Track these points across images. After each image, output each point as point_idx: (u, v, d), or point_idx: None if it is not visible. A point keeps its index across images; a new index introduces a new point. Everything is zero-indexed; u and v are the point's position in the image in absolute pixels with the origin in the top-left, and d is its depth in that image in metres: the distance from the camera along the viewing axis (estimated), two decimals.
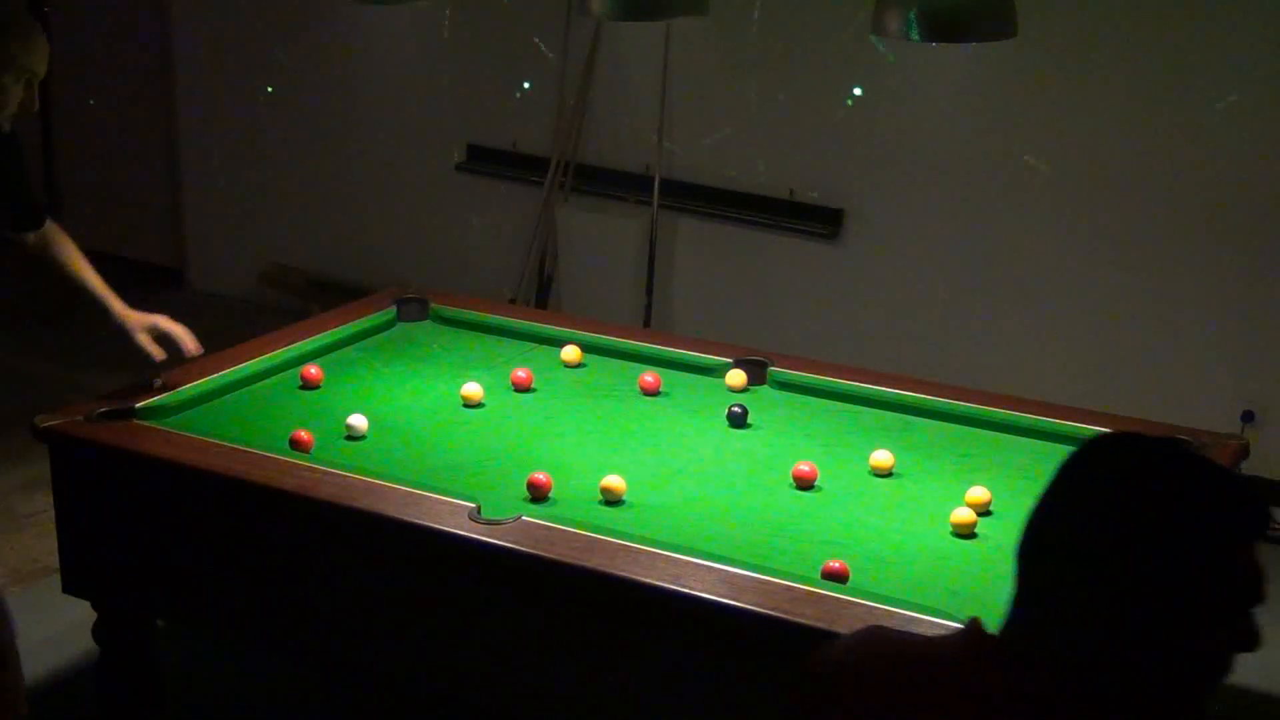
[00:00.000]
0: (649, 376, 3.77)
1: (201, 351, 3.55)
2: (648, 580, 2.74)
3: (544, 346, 4.01)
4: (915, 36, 3.24)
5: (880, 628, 1.71)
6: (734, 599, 2.67)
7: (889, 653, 1.56)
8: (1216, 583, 1.41)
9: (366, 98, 6.38)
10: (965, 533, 3.04)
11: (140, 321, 3.49)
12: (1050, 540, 1.47)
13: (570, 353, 3.93)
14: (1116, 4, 4.88)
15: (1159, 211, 4.91)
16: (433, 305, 4.20)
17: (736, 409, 3.58)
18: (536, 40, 5.89)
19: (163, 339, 3.52)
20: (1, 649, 3.14)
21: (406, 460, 3.30)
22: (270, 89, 6.60)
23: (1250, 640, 1.45)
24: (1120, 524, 1.41)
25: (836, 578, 2.78)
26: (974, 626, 1.53)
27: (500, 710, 3.04)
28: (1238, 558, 1.42)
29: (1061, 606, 1.44)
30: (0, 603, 3.17)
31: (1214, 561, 1.41)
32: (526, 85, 5.94)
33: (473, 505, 2.96)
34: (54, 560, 3.58)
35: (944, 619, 2.54)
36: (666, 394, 3.74)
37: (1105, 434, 1.53)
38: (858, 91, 5.30)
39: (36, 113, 3.24)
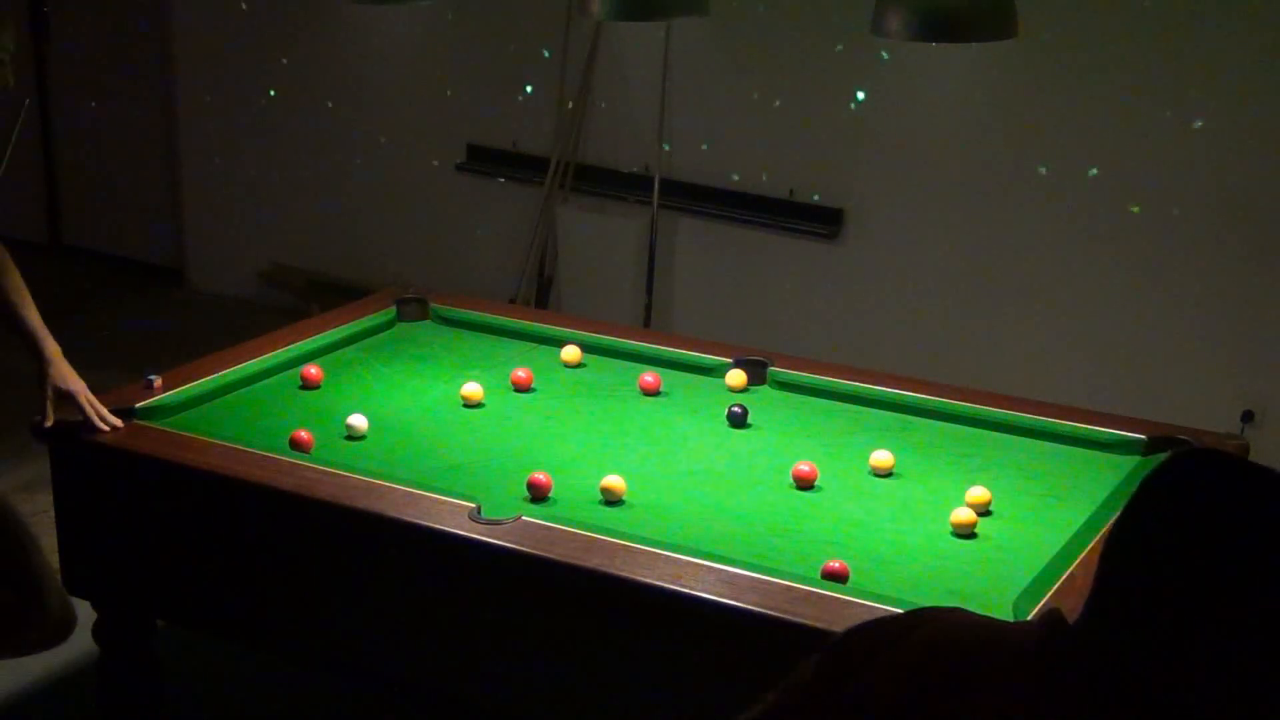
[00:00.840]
0: (649, 376, 3.76)
1: (108, 429, 3.25)
2: (648, 580, 2.74)
3: (544, 346, 4.01)
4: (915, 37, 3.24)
5: (959, 610, 1.71)
6: (734, 599, 2.67)
7: (964, 634, 1.59)
8: None
9: (366, 98, 6.38)
10: (965, 533, 3.04)
11: (63, 378, 3.22)
12: (1131, 550, 1.49)
13: (570, 353, 3.93)
14: (1117, 4, 4.87)
15: (1159, 211, 4.91)
16: (433, 305, 4.20)
17: (736, 409, 3.57)
18: (536, 40, 5.88)
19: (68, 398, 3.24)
20: (35, 582, 3.05)
21: (406, 460, 3.30)
22: (272, 92, 6.60)
23: None
24: (1195, 541, 1.43)
25: (836, 578, 2.78)
26: (1055, 616, 1.56)
27: (501, 710, 3.04)
28: None
29: (1136, 611, 1.46)
30: (20, 524, 3.09)
31: None
32: (529, 89, 5.94)
33: (473, 505, 2.96)
34: (54, 560, 3.58)
35: None
36: (666, 394, 3.74)
37: (1189, 449, 1.56)
38: (861, 95, 5.30)
39: (29, 106, 3.15)
